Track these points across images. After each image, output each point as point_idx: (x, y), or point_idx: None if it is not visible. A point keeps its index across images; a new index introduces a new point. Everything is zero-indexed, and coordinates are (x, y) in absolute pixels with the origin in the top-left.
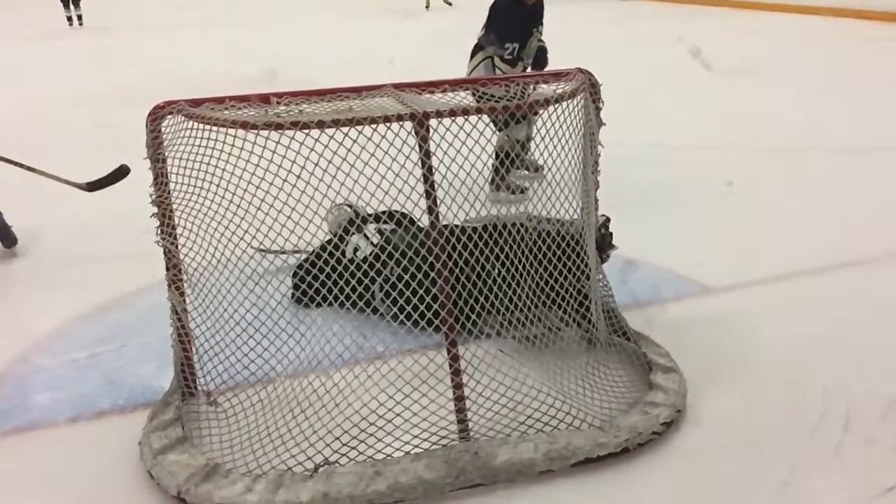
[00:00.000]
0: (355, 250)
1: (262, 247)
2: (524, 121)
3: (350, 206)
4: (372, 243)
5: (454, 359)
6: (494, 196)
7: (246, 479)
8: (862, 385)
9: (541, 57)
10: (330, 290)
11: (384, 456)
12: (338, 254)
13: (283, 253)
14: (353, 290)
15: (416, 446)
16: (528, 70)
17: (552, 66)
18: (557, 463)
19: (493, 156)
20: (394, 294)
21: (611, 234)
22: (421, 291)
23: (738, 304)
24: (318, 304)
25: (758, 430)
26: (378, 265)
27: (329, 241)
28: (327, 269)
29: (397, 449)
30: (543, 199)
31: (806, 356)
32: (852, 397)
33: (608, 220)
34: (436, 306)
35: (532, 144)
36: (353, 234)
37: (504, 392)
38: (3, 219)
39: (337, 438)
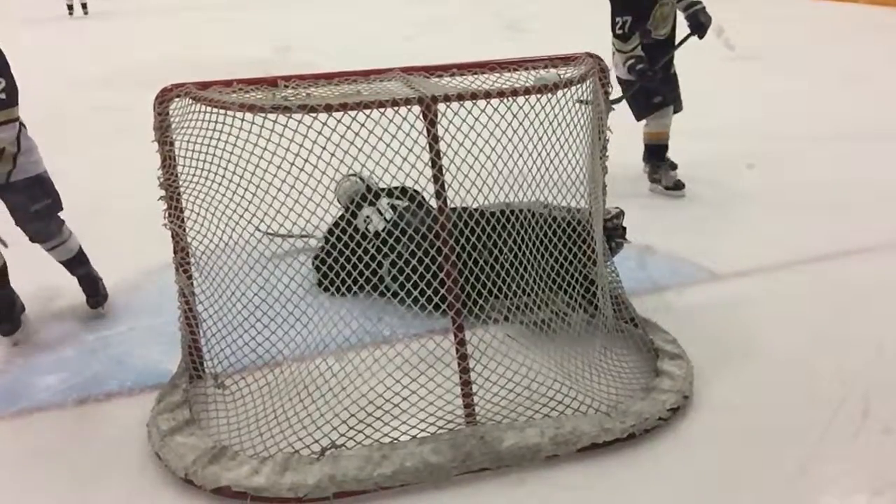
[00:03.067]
0: (367, 223)
1: (269, 230)
2: (664, 109)
3: (362, 179)
4: (385, 219)
5: (461, 343)
6: (654, 188)
7: (253, 461)
8: (873, 373)
9: (694, 22)
10: (346, 263)
11: (391, 440)
12: (350, 230)
13: (291, 237)
14: (367, 265)
15: (423, 430)
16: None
17: (563, 50)
18: (563, 448)
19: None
20: (401, 278)
21: (624, 227)
22: (428, 276)
23: (747, 291)
24: (350, 289)
25: (766, 417)
26: (387, 245)
27: (342, 217)
28: (341, 244)
29: (404, 433)
30: (551, 185)
31: (814, 344)
32: (866, 385)
33: (622, 212)
34: (443, 291)
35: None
36: (367, 206)
37: (511, 377)
38: (91, 270)
39: (344, 422)
